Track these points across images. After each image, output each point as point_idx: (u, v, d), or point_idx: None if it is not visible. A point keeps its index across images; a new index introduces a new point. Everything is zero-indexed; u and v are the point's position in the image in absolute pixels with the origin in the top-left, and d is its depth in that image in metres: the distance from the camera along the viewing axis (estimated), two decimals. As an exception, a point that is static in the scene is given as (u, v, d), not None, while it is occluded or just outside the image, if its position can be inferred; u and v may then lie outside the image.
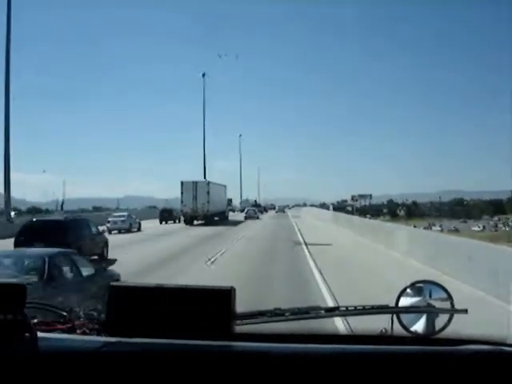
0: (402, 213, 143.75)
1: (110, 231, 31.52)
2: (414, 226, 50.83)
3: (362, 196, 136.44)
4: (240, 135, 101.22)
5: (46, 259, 8.69)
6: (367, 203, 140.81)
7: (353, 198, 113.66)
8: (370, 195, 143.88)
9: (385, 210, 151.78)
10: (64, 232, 16.52)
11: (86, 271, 9.48)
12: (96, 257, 18.07)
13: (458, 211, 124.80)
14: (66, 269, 9.02)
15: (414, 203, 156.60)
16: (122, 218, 35.88)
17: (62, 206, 55.67)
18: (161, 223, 45.94)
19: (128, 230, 34.59)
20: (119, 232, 33.96)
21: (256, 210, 61.65)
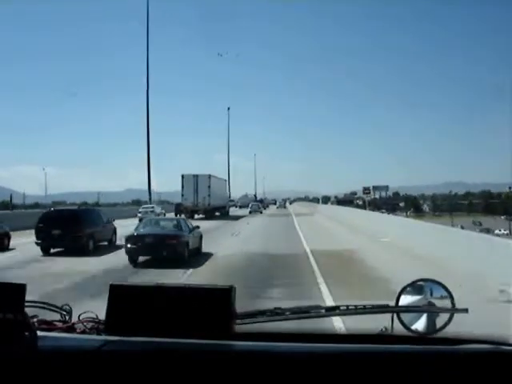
0: (425, 207, 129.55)
1: (140, 220, 34.54)
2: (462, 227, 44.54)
3: (376, 188, 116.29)
4: (228, 108, 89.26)
5: (181, 220, 17.71)
6: (382, 195, 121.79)
7: (365, 190, 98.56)
8: (387, 187, 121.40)
9: (401, 204, 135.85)
10: (78, 220, 18.05)
11: (191, 227, 17.20)
12: (106, 242, 19.67)
13: (492, 206, 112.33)
14: (187, 224, 17.19)
15: (433, 197, 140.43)
16: (151, 209, 42.02)
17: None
18: (176, 216, 46.23)
19: None
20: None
21: (260, 205, 64.80)
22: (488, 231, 61.33)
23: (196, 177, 44.73)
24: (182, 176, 44.67)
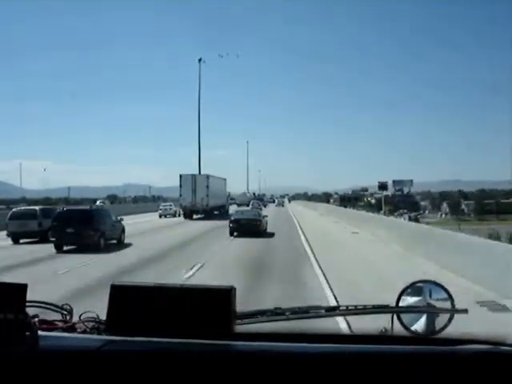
0: (463, 207, 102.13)
1: (160, 216, 45.73)
2: None
3: (398, 182, 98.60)
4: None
5: (260, 211, 30.11)
6: (406, 191, 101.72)
7: (381, 185, 79.79)
8: (411, 181, 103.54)
9: (423, 203, 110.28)
10: (90, 219, 19.22)
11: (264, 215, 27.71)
12: (115, 241, 20.81)
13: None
14: (260, 214, 27.46)
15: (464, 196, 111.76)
16: (170, 207, 48.47)
17: None
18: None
19: (174, 215, 46.76)
20: (165, 216, 46.29)
21: (260, 203, 66.54)
22: None
23: (194, 176, 44.56)
24: (180, 176, 44.36)
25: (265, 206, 71.62)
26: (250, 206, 58.18)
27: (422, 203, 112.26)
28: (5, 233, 23.31)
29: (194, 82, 55.03)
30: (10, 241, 22.76)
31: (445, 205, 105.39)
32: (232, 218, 25.67)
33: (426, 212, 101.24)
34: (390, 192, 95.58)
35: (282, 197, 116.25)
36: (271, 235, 24.93)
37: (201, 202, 43.24)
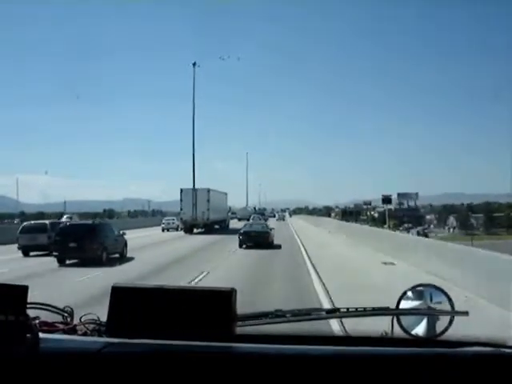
0: (472, 222, 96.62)
1: (163, 230, 46.34)
2: None
3: (403, 195, 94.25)
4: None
5: (267, 224, 32.91)
6: (411, 204, 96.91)
7: (385, 198, 74.86)
8: (416, 194, 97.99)
9: (428, 217, 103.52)
10: (93, 234, 19.47)
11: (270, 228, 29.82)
12: (117, 255, 20.85)
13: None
14: (268, 226, 29.78)
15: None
16: (173, 221, 48.45)
17: None
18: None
19: (176, 229, 46.23)
20: (167, 230, 46.51)
21: (261, 217, 67.03)
22: None
23: (195, 191, 44.24)
24: (181, 190, 44.10)
25: (266, 221, 71.72)
26: (251, 221, 59.04)
27: (428, 217, 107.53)
28: (15, 246, 23.98)
29: (193, 93, 54.59)
30: (20, 253, 23.52)
31: (451, 218, 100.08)
32: (241, 231, 27.09)
33: (431, 226, 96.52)
34: (392, 205, 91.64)
35: (283, 211, 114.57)
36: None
37: (201, 216, 42.84)
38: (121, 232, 22.15)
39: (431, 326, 1.70)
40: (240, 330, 1.64)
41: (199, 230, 43.25)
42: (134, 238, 30.00)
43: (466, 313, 1.72)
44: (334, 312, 1.89)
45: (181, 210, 43.65)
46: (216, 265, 18.38)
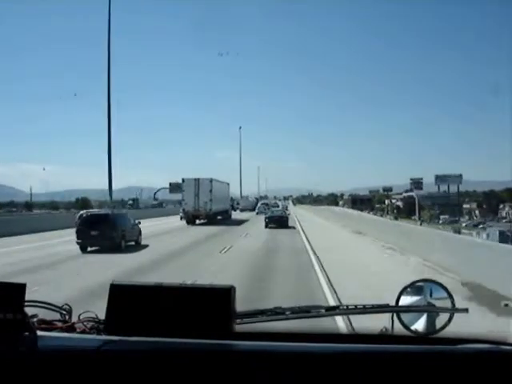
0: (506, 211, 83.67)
1: (181, 218, 45.71)
2: None
3: (442, 178, 78.40)
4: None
5: (285, 210, 50.28)
6: (452, 190, 79.77)
7: (415, 183, 65.32)
8: (460, 176, 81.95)
9: (466, 206, 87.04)
10: (112, 222, 20.99)
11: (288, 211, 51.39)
12: (133, 242, 22.35)
13: None
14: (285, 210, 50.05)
15: None
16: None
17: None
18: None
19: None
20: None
21: (266, 207, 67.97)
22: None
23: (197, 181, 42.89)
24: (183, 180, 43.34)
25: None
26: (257, 211, 63.19)
27: (465, 206, 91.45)
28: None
29: (194, 83, 54.37)
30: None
31: (507, 208, 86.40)
32: (266, 215, 38.53)
33: (475, 218, 79.45)
34: (414, 193, 77.10)
35: (286, 199, 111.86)
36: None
37: (204, 207, 41.96)
38: (136, 221, 23.43)
39: (431, 322, 1.70)
40: (239, 327, 1.63)
41: (201, 221, 42.83)
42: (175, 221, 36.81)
43: (465, 310, 1.72)
44: (333, 309, 1.89)
45: (183, 200, 42.80)
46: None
